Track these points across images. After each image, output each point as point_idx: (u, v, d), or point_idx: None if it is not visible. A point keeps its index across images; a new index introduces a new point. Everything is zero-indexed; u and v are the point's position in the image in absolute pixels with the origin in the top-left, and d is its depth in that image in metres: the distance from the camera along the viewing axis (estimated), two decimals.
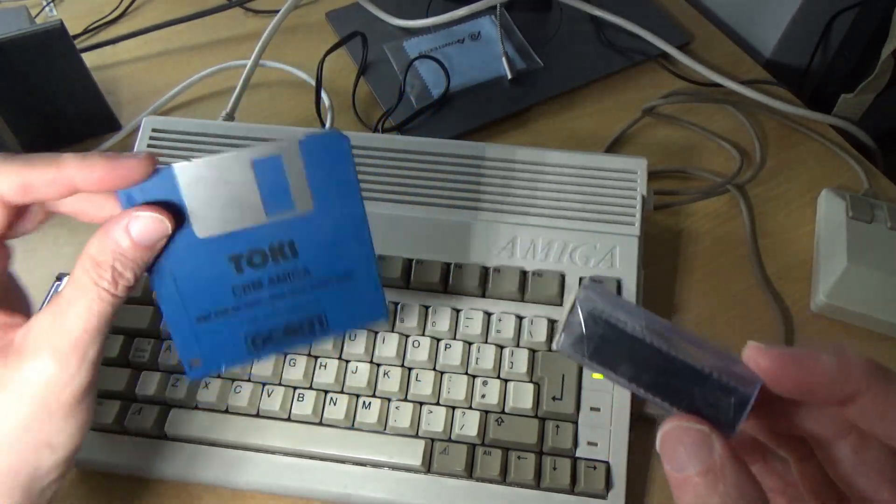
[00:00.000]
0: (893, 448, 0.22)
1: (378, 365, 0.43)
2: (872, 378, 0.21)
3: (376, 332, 0.44)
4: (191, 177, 0.28)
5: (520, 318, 0.44)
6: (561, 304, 0.44)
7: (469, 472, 0.41)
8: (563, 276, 0.45)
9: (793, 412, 0.23)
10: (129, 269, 0.28)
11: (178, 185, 0.28)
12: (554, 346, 0.24)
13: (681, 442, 0.21)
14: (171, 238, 0.29)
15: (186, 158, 0.29)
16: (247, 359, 0.32)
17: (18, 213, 0.29)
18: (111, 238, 0.27)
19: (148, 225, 0.28)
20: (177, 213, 0.29)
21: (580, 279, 0.45)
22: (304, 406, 0.42)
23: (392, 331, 0.44)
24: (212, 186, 0.29)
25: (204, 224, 0.29)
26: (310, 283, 0.31)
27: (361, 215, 0.31)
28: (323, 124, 0.60)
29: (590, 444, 0.41)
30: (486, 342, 0.44)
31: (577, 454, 0.41)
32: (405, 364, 0.43)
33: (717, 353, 0.22)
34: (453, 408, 0.42)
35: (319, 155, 0.30)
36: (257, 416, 0.43)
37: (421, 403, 0.42)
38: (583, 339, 0.23)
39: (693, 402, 0.22)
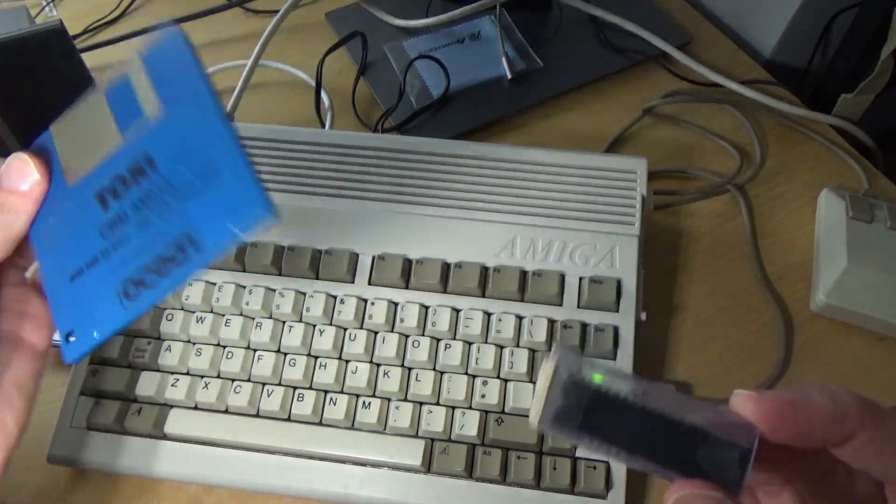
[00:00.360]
0: (880, 483, 0.21)
1: (378, 365, 0.43)
2: (867, 415, 0.21)
3: (376, 333, 0.44)
4: (59, 129, 0.28)
5: (520, 318, 0.44)
6: (561, 304, 0.44)
7: (469, 472, 0.41)
8: (563, 276, 0.45)
9: (784, 457, 0.22)
10: (15, 214, 0.27)
11: (53, 143, 0.28)
12: (533, 423, 0.21)
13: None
14: (47, 197, 0.28)
15: None
16: (121, 316, 0.27)
17: None
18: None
19: (24, 168, 0.27)
20: (48, 166, 0.28)
21: (579, 278, 0.45)
22: (304, 406, 0.42)
23: (392, 331, 0.44)
24: (77, 133, 0.28)
25: (73, 171, 0.28)
26: (173, 196, 0.27)
27: (213, 107, 0.27)
28: (323, 124, 0.60)
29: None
30: (486, 342, 0.44)
31: (577, 454, 0.41)
32: (405, 364, 0.43)
33: (706, 407, 0.20)
34: (453, 408, 0.42)
35: (160, 57, 0.28)
36: (257, 416, 0.43)
37: (421, 403, 0.42)
38: (568, 410, 0.20)
39: (697, 465, 0.20)
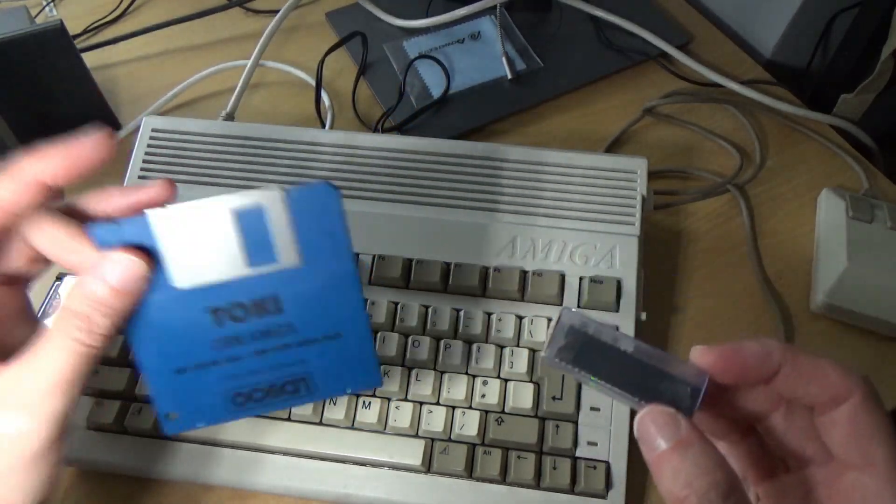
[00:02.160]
0: (812, 406, 0.26)
1: None
2: (787, 351, 0.26)
3: (376, 332, 0.44)
4: (167, 223, 0.27)
5: (520, 318, 0.44)
6: (561, 304, 0.44)
7: (469, 472, 0.41)
8: (563, 276, 0.45)
9: (734, 399, 0.28)
10: (107, 317, 0.26)
11: (152, 231, 0.27)
12: (541, 356, 0.29)
13: (653, 422, 0.25)
14: (148, 286, 0.27)
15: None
16: (226, 417, 0.30)
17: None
18: (87, 286, 0.26)
19: (125, 268, 0.26)
20: (153, 259, 0.27)
21: (579, 278, 0.45)
22: (304, 406, 0.42)
23: (392, 331, 0.44)
24: (189, 234, 0.27)
25: (181, 273, 0.27)
26: (295, 341, 0.29)
27: (352, 272, 0.29)
28: (323, 124, 0.60)
29: (590, 443, 0.41)
30: (486, 342, 0.44)
31: (577, 454, 0.41)
32: (405, 364, 0.43)
33: (672, 358, 0.27)
34: (453, 407, 0.42)
35: (307, 207, 0.27)
36: (257, 415, 0.43)
37: (421, 403, 0.42)
38: (566, 348, 0.28)
39: (658, 395, 0.27)
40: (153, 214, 0.27)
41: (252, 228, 0.27)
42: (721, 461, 0.24)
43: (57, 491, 0.28)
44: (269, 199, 0.27)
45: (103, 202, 0.28)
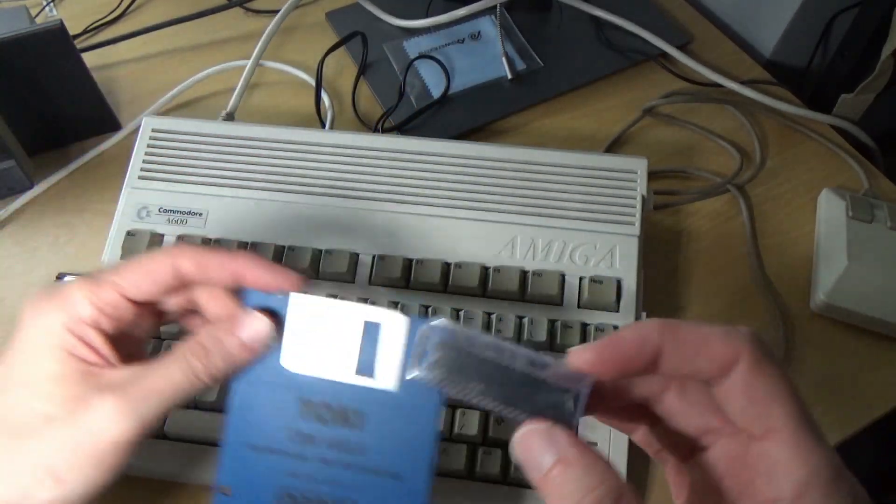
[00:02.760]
0: (705, 380, 0.25)
1: None
2: (665, 329, 0.24)
3: None
4: (301, 307, 0.29)
5: (520, 318, 0.44)
6: (561, 304, 0.44)
7: (469, 472, 0.41)
8: (563, 276, 0.45)
9: (623, 390, 0.27)
10: (224, 361, 0.28)
11: (286, 309, 0.29)
12: (406, 376, 0.27)
13: (530, 444, 0.24)
14: (263, 357, 0.29)
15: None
16: None
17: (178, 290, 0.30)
18: (223, 329, 0.28)
19: (261, 330, 0.28)
20: (278, 332, 0.29)
21: (579, 278, 0.45)
22: None
23: None
24: (315, 325, 0.29)
25: (292, 356, 0.29)
26: (359, 464, 0.29)
27: (436, 416, 0.28)
28: (323, 124, 0.60)
29: (590, 444, 0.41)
30: None
31: None
32: None
33: (553, 363, 0.25)
34: (453, 407, 0.42)
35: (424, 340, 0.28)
36: None
37: None
38: (435, 364, 0.25)
39: (537, 407, 0.25)
40: (295, 296, 0.28)
41: (370, 341, 0.28)
42: (605, 473, 0.23)
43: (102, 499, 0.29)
44: (390, 318, 0.28)
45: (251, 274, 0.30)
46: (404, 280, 0.45)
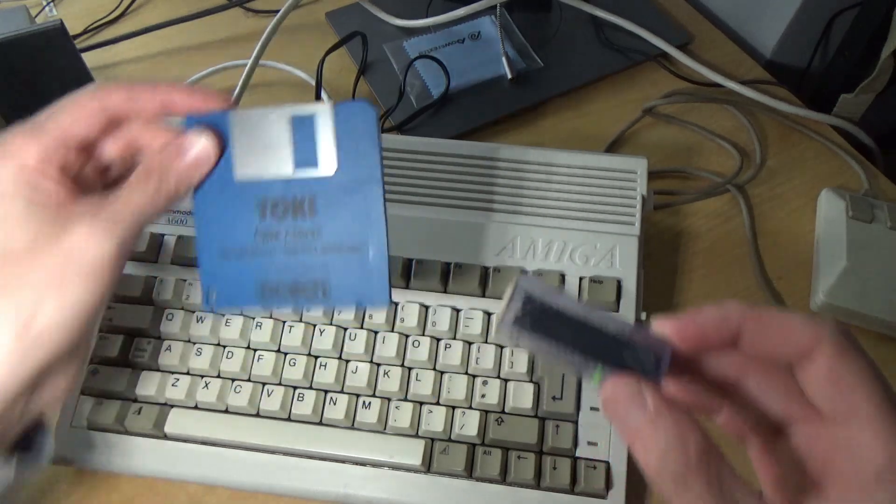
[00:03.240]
0: (788, 363, 0.25)
1: (378, 365, 0.43)
2: (747, 311, 0.25)
3: (376, 332, 0.44)
4: (239, 121, 0.32)
5: None
6: None
7: (469, 472, 0.41)
8: (563, 276, 0.45)
9: (705, 367, 0.27)
10: (178, 182, 0.31)
11: (229, 126, 0.31)
12: (496, 326, 0.29)
13: (618, 397, 0.24)
14: (213, 171, 0.32)
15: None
16: (254, 303, 0.33)
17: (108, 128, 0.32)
18: (172, 151, 0.31)
19: (205, 145, 0.31)
20: (222, 148, 0.32)
21: (579, 278, 0.45)
22: (304, 406, 0.42)
23: (392, 331, 0.44)
24: (254, 132, 0.32)
25: (241, 166, 0.32)
26: (321, 246, 0.32)
27: (379, 187, 0.31)
28: None
29: (590, 443, 0.41)
30: (486, 342, 0.44)
31: (577, 454, 0.41)
32: (405, 364, 0.43)
33: (634, 327, 0.26)
34: (453, 407, 0.42)
35: (349, 121, 0.31)
36: (257, 416, 0.43)
37: (421, 403, 0.42)
38: (524, 316, 0.26)
39: (622, 363, 0.25)
40: (233, 112, 0.31)
41: (302, 135, 0.32)
42: (692, 427, 0.23)
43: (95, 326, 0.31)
44: (319, 111, 0.31)
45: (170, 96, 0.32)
46: (404, 280, 0.45)
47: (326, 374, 0.43)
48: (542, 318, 0.26)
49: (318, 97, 0.60)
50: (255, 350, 0.44)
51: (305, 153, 0.32)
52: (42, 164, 0.30)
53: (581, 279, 0.45)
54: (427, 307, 0.44)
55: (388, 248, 0.32)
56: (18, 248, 0.28)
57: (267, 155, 0.32)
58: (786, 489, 0.26)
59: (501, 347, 0.43)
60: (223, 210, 0.32)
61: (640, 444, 0.24)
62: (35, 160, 0.30)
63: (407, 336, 0.44)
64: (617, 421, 0.25)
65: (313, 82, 0.61)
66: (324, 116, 0.31)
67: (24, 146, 0.30)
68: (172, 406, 0.43)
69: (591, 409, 0.42)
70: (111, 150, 0.32)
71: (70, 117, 0.31)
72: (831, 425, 0.24)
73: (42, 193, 0.29)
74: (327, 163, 0.32)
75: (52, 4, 0.71)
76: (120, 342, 0.44)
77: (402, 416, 0.42)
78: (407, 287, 0.45)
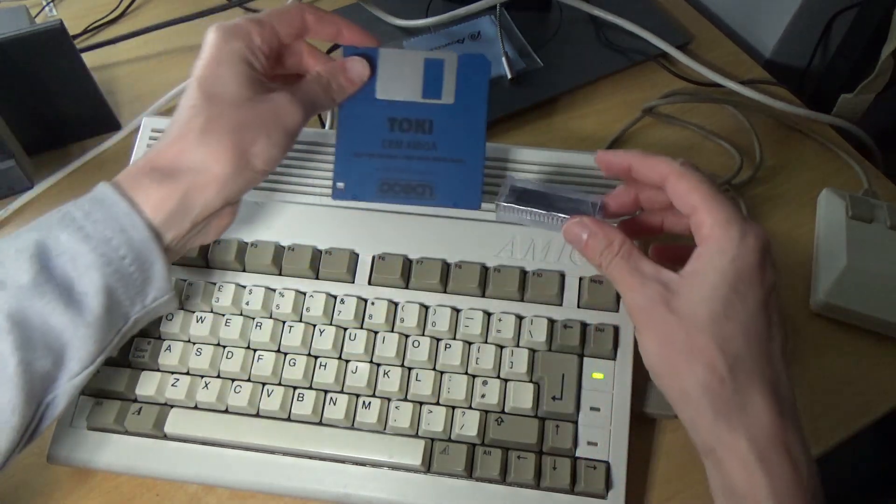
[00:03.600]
0: (659, 187, 0.39)
1: (378, 365, 0.43)
2: (635, 158, 0.39)
3: (376, 332, 0.44)
4: (385, 57, 0.43)
5: (520, 318, 0.44)
6: (561, 304, 0.44)
7: (469, 472, 0.41)
8: (562, 276, 0.45)
9: (630, 204, 0.41)
10: (340, 88, 0.42)
11: (377, 59, 0.43)
12: (495, 207, 0.41)
13: (572, 228, 0.39)
14: (362, 91, 0.42)
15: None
16: (373, 197, 0.43)
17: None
18: (337, 68, 0.42)
19: (360, 70, 0.42)
20: (371, 73, 0.42)
21: (579, 278, 0.45)
22: (304, 406, 0.42)
23: (392, 331, 0.44)
24: (395, 66, 0.43)
25: (382, 90, 0.43)
26: (433, 156, 0.43)
27: (483, 118, 0.43)
28: (323, 124, 0.60)
29: (590, 443, 0.41)
30: (485, 342, 0.44)
31: (577, 454, 0.41)
32: (405, 364, 0.43)
33: (583, 192, 0.41)
34: (453, 408, 0.42)
35: (468, 67, 0.43)
36: (257, 416, 0.43)
37: (421, 403, 0.42)
38: (510, 195, 0.41)
39: (575, 211, 0.40)
40: (382, 49, 0.43)
41: (431, 72, 0.43)
42: (616, 234, 0.38)
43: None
44: (447, 57, 0.43)
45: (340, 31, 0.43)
46: (404, 280, 0.45)
47: (326, 375, 0.43)
48: (523, 196, 0.41)
49: None
50: (255, 350, 0.44)
51: (432, 86, 0.43)
52: (262, 45, 0.39)
53: (581, 279, 0.45)
54: (427, 307, 0.44)
55: (483, 164, 0.43)
56: (242, 100, 0.38)
57: (403, 83, 0.43)
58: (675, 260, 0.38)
59: (501, 347, 0.43)
60: (361, 121, 0.43)
61: (587, 250, 0.38)
62: (259, 41, 0.39)
63: (407, 336, 0.44)
64: (573, 242, 0.39)
65: None
66: (450, 61, 0.43)
67: (252, 30, 0.39)
68: (172, 406, 0.43)
69: (591, 409, 0.42)
70: (287, 57, 0.43)
71: (280, 19, 0.40)
72: (685, 219, 0.37)
73: (259, 66, 0.39)
74: (448, 94, 0.43)
75: (51, 4, 0.71)
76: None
77: (401, 416, 0.42)
78: (407, 287, 0.45)
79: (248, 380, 0.44)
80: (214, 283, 0.45)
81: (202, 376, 0.44)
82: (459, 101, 0.42)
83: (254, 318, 0.45)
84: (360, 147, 0.43)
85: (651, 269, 0.36)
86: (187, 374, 0.44)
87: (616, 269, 0.37)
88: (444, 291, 0.45)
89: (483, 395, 0.42)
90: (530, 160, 0.48)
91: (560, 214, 0.40)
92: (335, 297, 0.45)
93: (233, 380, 0.43)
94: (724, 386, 0.33)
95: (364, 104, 0.43)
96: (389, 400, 0.43)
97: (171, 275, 0.38)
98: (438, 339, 0.44)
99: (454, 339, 0.44)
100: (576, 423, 0.42)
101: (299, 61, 0.43)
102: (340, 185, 0.43)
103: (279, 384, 0.43)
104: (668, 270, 0.36)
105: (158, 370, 0.44)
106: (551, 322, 0.44)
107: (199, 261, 0.46)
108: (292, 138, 0.39)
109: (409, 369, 0.43)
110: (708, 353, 0.34)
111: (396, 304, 0.45)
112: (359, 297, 0.45)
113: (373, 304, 0.44)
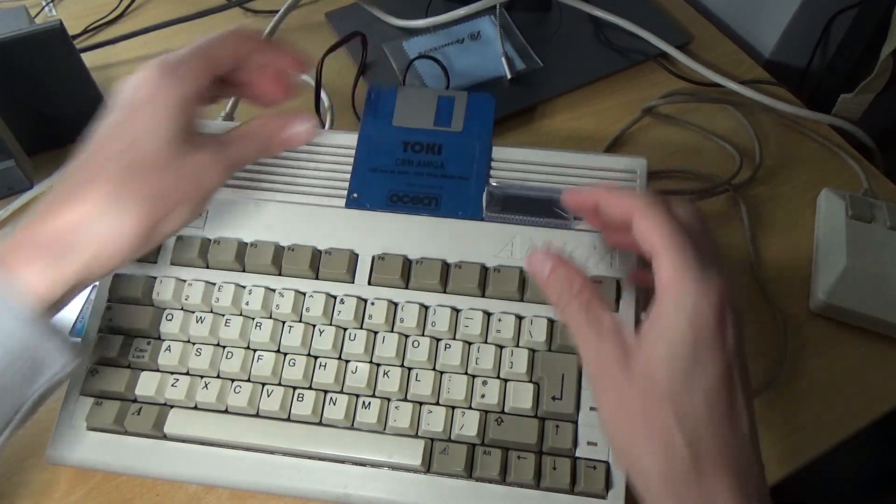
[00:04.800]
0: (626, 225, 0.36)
1: (378, 365, 0.43)
2: (601, 194, 0.37)
3: (376, 333, 0.44)
4: (403, 93, 0.50)
5: (519, 318, 0.44)
6: None
7: (469, 472, 0.41)
8: None
9: (605, 224, 0.40)
10: (279, 146, 0.40)
11: (396, 94, 0.50)
12: (484, 211, 0.46)
13: (535, 260, 0.37)
14: (380, 118, 0.49)
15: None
16: (383, 207, 0.47)
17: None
18: (277, 125, 0.39)
19: (303, 129, 0.40)
20: (389, 108, 0.49)
21: None
22: (304, 406, 0.42)
23: (392, 331, 0.44)
24: (411, 101, 0.49)
25: (398, 117, 0.49)
26: (440, 174, 0.47)
27: (488, 145, 0.48)
28: (323, 124, 0.60)
29: (590, 443, 0.41)
30: (485, 342, 0.44)
31: (577, 454, 0.41)
32: (405, 364, 0.43)
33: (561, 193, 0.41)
34: (453, 408, 0.42)
35: (476, 103, 0.49)
36: (257, 416, 0.43)
37: (421, 403, 0.42)
38: (497, 202, 0.46)
39: (559, 216, 0.44)
40: (400, 87, 0.50)
41: (443, 106, 0.49)
42: (577, 275, 0.35)
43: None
44: (458, 95, 0.50)
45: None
46: (404, 280, 0.45)
47: (326, 375, 0.43)
48: (507, 203, 0.46)
49: (317, 97, 0.60)
50: (255, 350, 0.44)
51: (444, 116, 0.49)
52: (205, 85, 0.36)
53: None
54: (427, 307, 0.44)
55: (486, 182, 0.47)
56: (166, 161, 0.34)
57: (418, 114, 0.49)
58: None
59: (501, 347, 0.43)
60: (379, 142, 0.48)
61: (546, 287, 0.36)
62: (205, 81, 0.36)
63: (406, 336, 0.44)
64: (534, 275, 0.37)
65: (313, 82, 0.61)
66: (460, 98, 0.49)
67: (199, 68, 0.35)
68: (172, 406, 0.43)
69: (591, 408, 0.42)
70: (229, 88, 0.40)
71: (225, 48, 0.37)
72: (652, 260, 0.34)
73: (184, 123, 0.35)
74: (457, 124, 0.48)
75: (51, 4, 0.71)
76: (119, 342, 0.44)
77: (401, 416, 0.42)
78: (407, 287, 0.45)
79: (248, 380, 0.43)
80: (214, 284, 0.45)
81: (202, 376, 0.44)
82: (467, 129, 0.48)
83: (253, 319, 0.45)
84: (376, 163, 0.48)
85: (610, 324, 0.33)
86: (187, 374, 0.44)
87: (572, 315, 0.34)
88: (444, 291, 0.45)
89: (483, 396, 0.42)
90: (530, 160, 0.48)
91: (544, 219, 0.45)
92: (335, 298, 0.45)
93: (232, 380, 0.43)
94: (685, 473, 0.30)
95: (382, 129, 0.49)
96: (389, 400, 0.43)
97: (70, 344, 0.34)
98: (438, 340, 0.44)
99: (454, 339, 0.44)
100: (576, 423, 0.42)
101: (243, 77, 0.39)
102: (355, 195, 0.47)
103: (279, 384, 0.43)
104: (628, 328, 0.34)
105: (158, 370, 0.44)
106: (551, 322, 0.44)
107: (198, 261, 0.46)
108: (209, 201, 0.37)
109: (409, 369, 0.43)
110: (666, 432, 0.30)
111: (396, 305, 0.45)
112: (358, 298, 0.45)
113: (372, 304, 0.44)
